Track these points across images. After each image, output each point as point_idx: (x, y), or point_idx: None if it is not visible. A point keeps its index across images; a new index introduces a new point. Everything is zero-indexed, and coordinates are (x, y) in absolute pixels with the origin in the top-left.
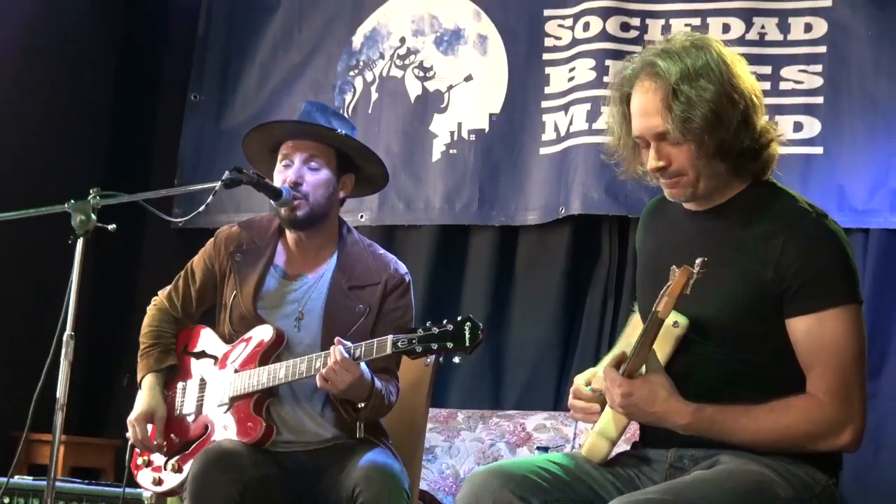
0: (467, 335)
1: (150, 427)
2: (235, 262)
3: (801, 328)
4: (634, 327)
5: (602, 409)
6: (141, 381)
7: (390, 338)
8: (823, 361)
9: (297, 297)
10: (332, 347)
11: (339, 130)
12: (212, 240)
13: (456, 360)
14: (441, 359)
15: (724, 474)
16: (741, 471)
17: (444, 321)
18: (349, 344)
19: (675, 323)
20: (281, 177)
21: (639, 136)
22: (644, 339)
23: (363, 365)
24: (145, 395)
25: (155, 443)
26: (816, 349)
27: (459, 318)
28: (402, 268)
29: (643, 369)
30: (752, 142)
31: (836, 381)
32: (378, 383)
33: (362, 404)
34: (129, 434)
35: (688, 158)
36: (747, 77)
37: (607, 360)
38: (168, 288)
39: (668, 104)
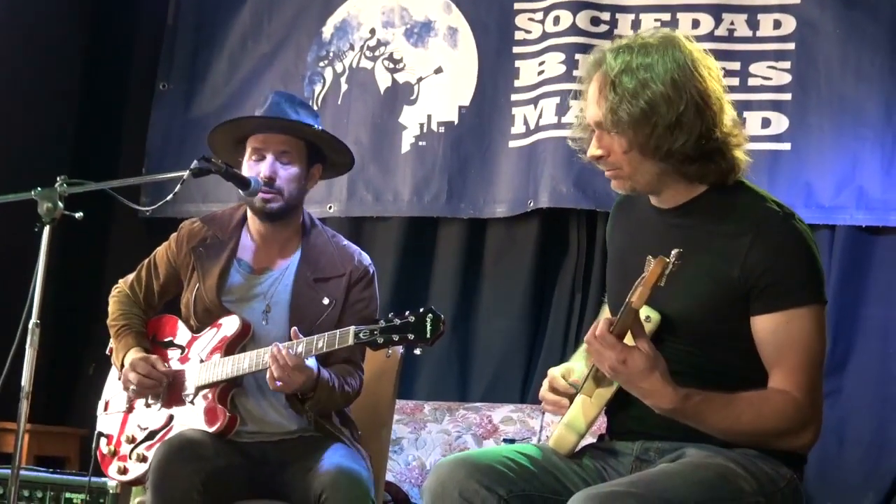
0: (428, 327)
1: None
2: (198, 257)
3: (768, 326)
4: None
5: (570, 404)
6: (123, 359)
7: (352, 329)
8: (791, 360)
9: (263, 290)
10: (272, 347)
11: (315, 126)
12: (174, 235)
13: (417, 351)
14: (403, 350)
15: (690, 467)
16: (707, 464)
17: (406, 312)
18: (303, 339)
19: (647, 318)
20: (253, 171)
21: (587, 123)
22: (622, 319)
23: (311, 361)
24: (133, 355)
25: (162, 370)
26: (784, 348)
27: (421, 310)
28: (366, 259)
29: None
30: (687, 146)
31: (805, 380)
32: (325, 374)
33: (309, 395)
34: (101, 410)
35: (621, 152)
36: (706, 83)
37: (577, 356)
38: (130, 277)
39: (606, 94)
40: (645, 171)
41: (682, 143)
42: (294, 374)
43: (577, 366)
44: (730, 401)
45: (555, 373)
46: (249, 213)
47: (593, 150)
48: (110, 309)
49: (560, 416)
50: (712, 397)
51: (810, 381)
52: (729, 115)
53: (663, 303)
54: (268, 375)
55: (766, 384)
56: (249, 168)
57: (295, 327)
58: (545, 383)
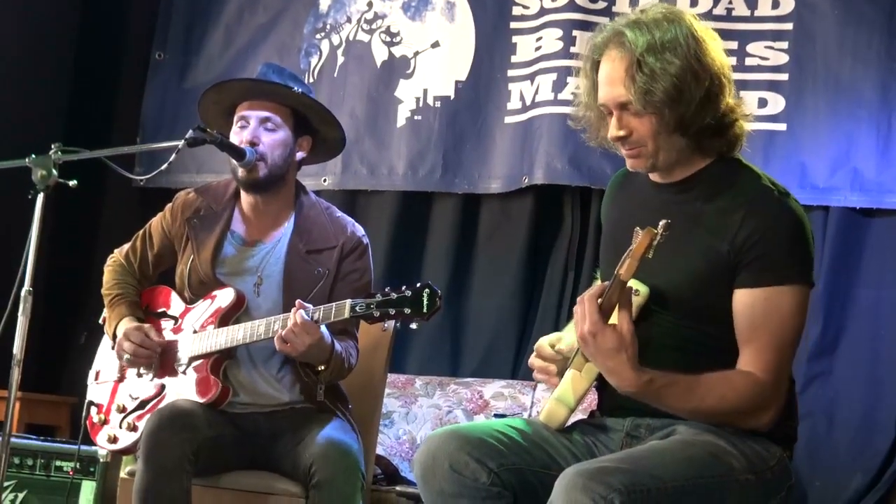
0: (425, 301)
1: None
2: (192, 228)
3: (746, 300)
4: None
5: (560, 373)
6: (115, 328)
7: (348, 302)
8: (763, 339)
9: (256, 263)
10: (292, 310)
11: (295, 88)
12: (169, 205)
13: (413, 325)
14: (398, 324)
15: (680, 444)
16: (697, 441)
17: (403, 287)
18: (310, 307)
19: (635, 291)
20: (238, 138)
21: (602, 104)
22: (611, 291)
23: (323, 328)
24: (126, 324)
25: (156, 339)
26: (759, 325)
27: (418, 285)
28: (360, 230)
29: (614, 316)
30: (715, 119)
31: (774, 361)
32: (338, 346)
33: (322, 367)
34: (91, 379)
35: (648, 130)
36: (717, 54)
37: (569, 328)
38: (125, 247)
39: (633, 74)
40: (669, 147)
41: (710, 118)
42: (301, 335)
43: (567, 335)
44: (693, 385)
45: (543, 342)
46: None
47: (615, 132)
48: (105, 278)
49: (550, 386)
50: (676, 381)
51: (778, 362)
52: (732, 85)
53: (654, 276)
54: (276, 336)
55: None
56: (235, 136)
57: (300, 299)
58: (534, 350)
